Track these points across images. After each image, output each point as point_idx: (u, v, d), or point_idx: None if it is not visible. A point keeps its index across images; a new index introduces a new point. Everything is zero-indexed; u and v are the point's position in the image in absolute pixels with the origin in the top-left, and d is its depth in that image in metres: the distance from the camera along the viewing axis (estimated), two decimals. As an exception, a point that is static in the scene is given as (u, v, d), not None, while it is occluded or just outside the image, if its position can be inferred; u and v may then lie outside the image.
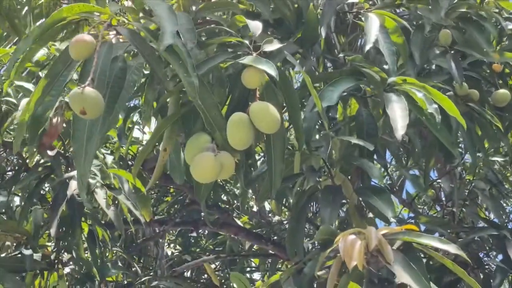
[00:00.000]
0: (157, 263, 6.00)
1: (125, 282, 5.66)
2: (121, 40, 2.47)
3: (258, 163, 4.97)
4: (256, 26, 2.68)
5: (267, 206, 6.42)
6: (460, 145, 3.82)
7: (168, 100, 2.87)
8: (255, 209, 6.46)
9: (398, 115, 2.77)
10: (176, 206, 6.08)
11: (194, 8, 2.86)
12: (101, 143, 2.49)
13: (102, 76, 2.25)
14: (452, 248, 2.52)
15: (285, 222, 6.38)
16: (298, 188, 3.48)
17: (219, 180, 5.87)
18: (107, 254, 4.83)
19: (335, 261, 2.59)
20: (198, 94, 2.34)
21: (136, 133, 5.03)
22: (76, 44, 2.21)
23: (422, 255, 2.66)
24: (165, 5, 2.41)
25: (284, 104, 2.75)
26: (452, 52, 3.63)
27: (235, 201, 6.15)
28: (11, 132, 4.13)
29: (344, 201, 3.42)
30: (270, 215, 6.49)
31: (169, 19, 2.33)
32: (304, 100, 3.39)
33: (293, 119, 2.77)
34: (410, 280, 2.41)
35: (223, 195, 6.01)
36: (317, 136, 3.82)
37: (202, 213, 5.55)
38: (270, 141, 2.72)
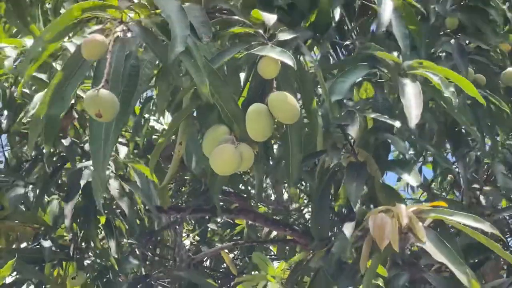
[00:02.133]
0: (175, 251, 5.99)
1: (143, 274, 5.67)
2: (129, 35, 2.43)
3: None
4: (270, 17, 2.64)
5: (284, 194, 6.42)
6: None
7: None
8: (272, 197, 6.45)
9: (413, 104, 2.73)
10: (193, 194, 6.05)
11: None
12: (116, 141, 2.47)
13: (116, 76, 2.22)
14: (486, 227, 2.48)
15: (302, 209, 6.36)
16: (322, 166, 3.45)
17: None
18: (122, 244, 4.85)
19: (366, 240, 2.58)
20: (214, 88, 2.33)
21: (151, 122, 5.00)
22: (88, 45, 2.18)
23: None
24: (174, 3, 2.35)
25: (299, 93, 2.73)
26: (458, 36, 3.59)
27: (253, 191, 6.14)
28: (26, 124, 4.12)
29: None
30: (288, 203, 6.45)
31: (179, 21, 2.27)
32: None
33: (307, 108, 2.73)
34: (444, 259, 2.39)
35: (241, 184, 5.99)
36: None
37: (221, 201, 5.53)
38: (287, 131, 2.69)
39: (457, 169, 5.03)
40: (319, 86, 3.32)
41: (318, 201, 3.31)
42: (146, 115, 4.81)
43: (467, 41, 3.69)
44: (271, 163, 3.34)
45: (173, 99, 2.98)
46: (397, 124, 2.96)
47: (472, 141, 4.64)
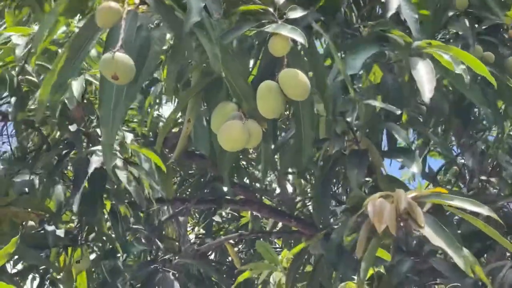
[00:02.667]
0: (180, 242, 5.99)
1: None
2: (140, 12, 2.44)
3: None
4: (280, -6, 2.66)
5: (289, 188, 6.42)
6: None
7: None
8: (277, 191, 6.45)
9: (425, 79, 2.72)
10: (198, 186, 6.05)
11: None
12: (127, 108, 2.47)
13: (128, 44, 2.22)
14: (485, 210, 2.46)
15: (307, 201, 6.36)
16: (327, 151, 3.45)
17: (241, 163, 5.89)
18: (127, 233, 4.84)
19: (364, 225, 2.55)
20: (223, 64, 2.33)
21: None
22: (103, 12, 2.19)
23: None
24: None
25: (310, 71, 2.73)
26: (467, 16, 3.59)
27: (257, 185, 6.14)
28: (32, 111, 4.13)
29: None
30: (293, 196, 6.45)
31: (194, -6, 2.29)
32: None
33: (319, 86, 2.74)
34: (443, 243, 2.36)
35: (246, 178, 5.99)
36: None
37: (225, 188, 5.52)
38: (299, 108, 2.70)
39: (462, 160, 5.06)
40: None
41: (320, 188, 3.32)
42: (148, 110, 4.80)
43: (476, 25, 3.67)
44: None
45: (181, 80, 2.99)
46: (397, 111, 2.97)
47: (476, 132, 4.67)
